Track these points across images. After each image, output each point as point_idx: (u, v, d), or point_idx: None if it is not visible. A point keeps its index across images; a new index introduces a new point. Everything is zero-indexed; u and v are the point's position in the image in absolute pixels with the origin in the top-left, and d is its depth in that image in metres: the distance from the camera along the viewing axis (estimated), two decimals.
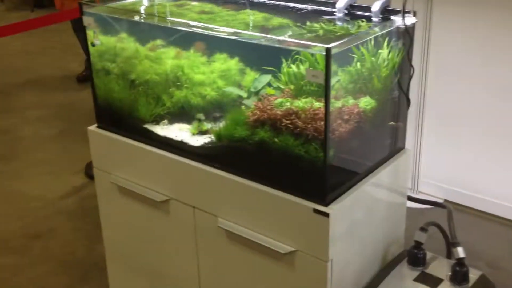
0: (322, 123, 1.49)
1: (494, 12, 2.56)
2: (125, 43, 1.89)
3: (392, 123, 1.76)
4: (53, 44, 5.73)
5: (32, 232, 2.88)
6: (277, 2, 1.99)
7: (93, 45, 1.82)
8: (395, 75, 1.69)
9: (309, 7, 1.89)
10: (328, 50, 1.38)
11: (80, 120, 4.14)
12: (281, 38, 1.61)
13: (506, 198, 2.78)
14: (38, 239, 2.82)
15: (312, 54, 1.55)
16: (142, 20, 1.86)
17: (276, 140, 1.58)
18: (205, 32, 1.73)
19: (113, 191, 1.98)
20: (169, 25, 1.81)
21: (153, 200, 1.86)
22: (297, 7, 1.93)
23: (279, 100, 1.63)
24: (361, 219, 1.67)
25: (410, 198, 1.91)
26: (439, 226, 1.82)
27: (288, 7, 1.94)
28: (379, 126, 1.70)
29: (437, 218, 1.88)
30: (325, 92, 1.42)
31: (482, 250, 2.58)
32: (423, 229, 1.76)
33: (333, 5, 1.81)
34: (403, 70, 1.71)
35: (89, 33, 1.82)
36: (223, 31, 1.69)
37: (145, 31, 1.89)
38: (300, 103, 1.59)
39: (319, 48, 1.43)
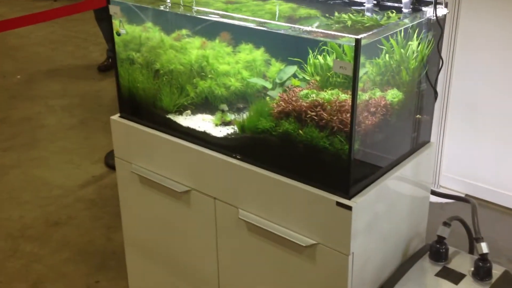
0: (348, 115, 1.47)
1: None
2: (151, 32, 1.88)
3: (418, 116, 1.73)
4: (76, 33, 5.76)
5: (52, 220, 2.90)
6: None
7: (119, 34, 1.81)
8: (424, 67, 1.66)
9: None
10: (357, 41, 1.35)
11: (101, 110, 4.16)
12: (308, 28, 1.59)
13: None
14: (58, 227, 2.84)
15: (340, 45, 1.53)
16: (168, 10, 1.85)
17: (300, 132, 1.56)
18: (232, 22, 1.71)
19: (133, 180, 1.98)
20: (195, 15, 1.80)
21: (173, 191, 1.85)
22: None
23: (305, 91, 1.61)
24: (384, 213, 1.64)
25: (434, 193, 1.88)
26: (463, 221, 1.79)
27: None
28: (405, 119, 1.67)
29: (458, 212, 1.85)
30: (352, 84, 1.40)
31: (504, 246, 2.54)
32: (446, 224, 1.73)
33: None
34: (431, 62, 1.68)
35: (115, 22, 1.82)
36: (250, 20, 1.67)
37: (171, 21, 1.88)
38: (326, 94, 1.56)
39: (348, 39, 1.40)
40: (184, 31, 1.89)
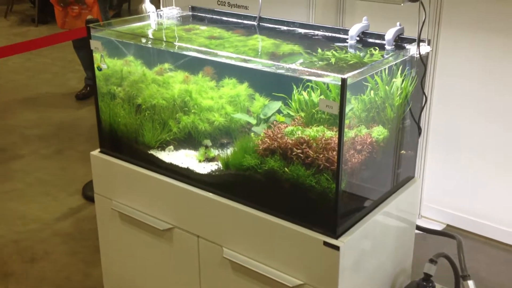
0: (335, 153, 1.45)
1: (502, 38, 2.55)
2: (132, 66, 1.86)
3: (403, 152, 1.72)
4: (53, 60, 5.70)
5: (28, 255, 2.81)
6: (287, 28, 1.97)
7: (100, 69, 1.78)
8: (408, 103, 1.66)
9: (320, 33, 1.87)
10: (343, 81, 1.34)
11: (78, 139, 4.10)
12: (293, 66, 1.58)
13: (509, 224, 2.75)
14: (34, 263, 2.75)
15: (324, 83, 1.52)
16: (151, 45, 1.83)
17: (286, 169, 1.54)
18: (216, 59, 1.69)
19: (114, 217, 1.93)
20: (179, 51, 1.78)
21: (155, 228, 1.81)
22: (307, 33, 1.91)
23: (290, 128, 1.60)
24: (370, 250, 1.62)
25: (420, 228, 1.87)
26: (449, 258, 1.78)
27: (299, 33, 1.92)
28: (390, 155, 1.66)
29: (441, 244, 1.84)
30: (339, 122, 1.38)
31: (485, 277, 2.53)
32: (432, 261, 1.72)
33: (345, 32, 1.79)
34: (414, 98, 1.68)
35: (96, 57, 1.79)
36: (234, 57, 1.66)
37: (154, 57, 1.86)
38: (312, 131, 1.55)
39: (334, 78, 1.40)
40: (166, 65, 1.88)
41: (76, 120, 4.40)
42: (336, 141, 1.44)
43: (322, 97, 1.50)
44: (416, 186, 1.78)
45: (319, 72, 1.49)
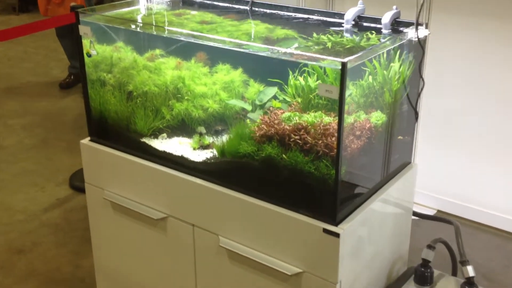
0: (334, 139, 1.43)
1: (494, 22, 2.53)
2: (123, 52, 1.81)
3: (400, 137, 1.70)
4: (35, 49, 5.59)
5: (16, 247, 2.76)
6: (281, 13, 1.93)
7: (89, 55, 1.73)
8: (405, 88, 1.63)
9: (315, 18, 1.83)
10: (343, 65, 1.31)
11: (63, 128, 4.03)
12: (289, 50, 1.55)
13: (501, 209, 2.76)
14: (22, 255, 2.70)
15: (321, 67, 1.49)
16: (142, 30, 1.78)
17: (284, 156, 1.51)
18: (209, 43, 1.65)
19: (106, 207, 1.89)
20: (171, 35, 1.73)
21: (149, 218, 1.77)
22: (301, 18, 1.87)
23: (287, 114, 1.56)
24: (369, 236, 1.60)
25: (416, 214, 1.86)
26: (447, 244, 1.77)
27: (293, 17, 1.88)
28: (389, 140, 1.64)
29: (434, 229, 1.83)
30: (339, 108, 1.36)
31: (478, 262, 2.54)
32: (430, 247, 1.71)
33: (340, 16, 1.76)
34: (411, 83, 1.66)
35: (85, 43, 1.73)
36: (228, 42, 1.62)
37: (145, 42, 1.81)
38: (309, 117, 1.52)
39: (333, 62, 1.36)
40: (158, 51, 1.83)
41: (60, 109, 4.33)
42: (335, 127, 1.42)
43: (320, 82, 1.47)
44: (413, 172, 1.76)
45: (318, 56, 1.45)
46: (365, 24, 1.74)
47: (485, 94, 2.64)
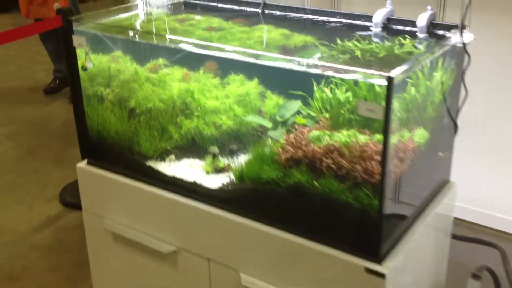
0: (374, 163, 1.23)
1: None
2: (122, 64, 1.59)
3: (440, 154, 1.52)
4: (18, 52, 5.33)
5: (5, 272, 2.53)
6: (293, 14, 1.73)
7: (85, 69, 1.51)
8: (446, 100, 1.44)
9: (334, 20, 1.64)
10: (390, 80, 1.12)
11: (50, 137, 3.80)
12: (318, 62, 1.35)
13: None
14: (11, 281, 2.48)
15: (354, 81, 1.29)
16: (146, 41, 1.57)
17: (315, 183, 1.31)
18: (222, 55, 1.45)
19: (106, 238, 1.68)
20: (178, 46, 1.52)
21: (158, 251, 1.57)
22: (318, 21, 1.68)
23: (315, 132, 1.37)
24: (412, 269, 1.41)
25: (456, 237, 1.67)
26: (491, 271, 1.59)
27: (309, 20, 1.68)
28: (429, 159, 1.45)
29: (462, 249, 1.64)
30: (384, 129, 1.16)
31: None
32: (476, 276, 1.53)
33: (366, 18, 1.56)
34: (451, 93, 1.47)
35: (80, 55, 1.51)
36: (245, 53, 1.41)
37: (148, 53, 1.60)
38: (342, 137, 1.33)
39: (377, 76, 1.17)
40: (161, 61, 1.62)
41: (46, 116, 4.09)
42: (374, 148, 1.22)
43: (359, 99, 1.27)
44: (453, 192, 1.58)
45: (356, 69, 1.25)
46: (393, 26, 1.55)
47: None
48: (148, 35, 1.56)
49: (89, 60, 1.50)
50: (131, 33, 1.54)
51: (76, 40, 1.47)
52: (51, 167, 3.39)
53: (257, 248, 1.41)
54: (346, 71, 1.26)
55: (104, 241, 1.69)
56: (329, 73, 1.32)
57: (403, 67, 1.15)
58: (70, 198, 2.98)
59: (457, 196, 1.61)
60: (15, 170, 3.38)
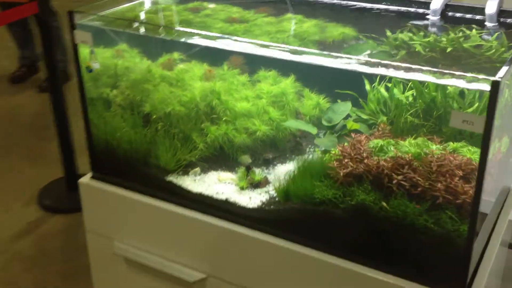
0: (458, 180, 1.03)
1: None
2: (131, 62, 1.34)
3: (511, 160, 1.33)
4: None
5: None
6: (324, 0, 1.50)
7: (90, 70, 1.24)
8: None
9: (377, 7, 1.41)
10: (495, 84, 0.90)
11: (21, 131, 3.47)
12: (379, 61, 1.12)
13: None
14: None
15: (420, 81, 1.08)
16: (162, 36, 1.31)
17: (384, 204, 1.10)
18: (254, 52, 1.21)
19: (117, 264, 1.44)
20: (200, 42, 1.27)
21: (182, 280, 1.34)
22: (355, 7, 1.45)
23: (377, 141, 1.15)
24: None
25: None
26: None
27: (345, 7, 1.45)
28: (505, 168, 1.26)
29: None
30: (482, 144, 0.95)
31: None
32: None
33: (418, 4, 1.34)
34: None
35: (84, 53, 1.24)
36: (283, 49, 1.18)
37: (162, 49, 1.34)
38: (411, 147, 1.12)
39: (472, 79, 0.95)
40: (176, 55, 1.38)
41: (14, 108, 3.75)
42: (455, 162, 1.02)
43: (456, 110, 1.06)
44: None
45: (453, 72, 1.01)
46: (449, 14, 1.34)
47: None
48: (165, 30, 1.30)
49: (94, 59, 1.23)
50: (143, 27, 1.27)
51: (80, 36, 1.19)
52: (25, 165, 3.09)
53: (307, 279, 1.20)
54: (440, 74, 1.03)
55: (114, 267, 1.45)
56: (392, 72, 1.11)
57: (505, 68, 0.94)
58: (49, 201, 2.71)
59: None
60: None
